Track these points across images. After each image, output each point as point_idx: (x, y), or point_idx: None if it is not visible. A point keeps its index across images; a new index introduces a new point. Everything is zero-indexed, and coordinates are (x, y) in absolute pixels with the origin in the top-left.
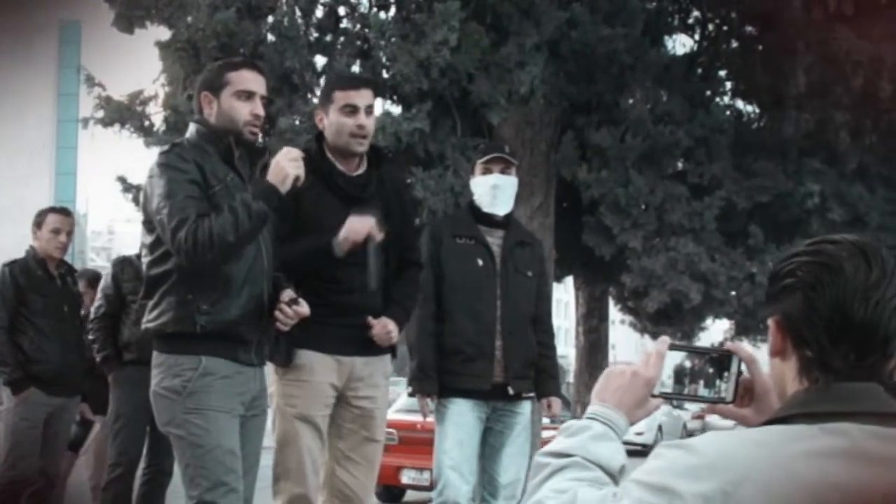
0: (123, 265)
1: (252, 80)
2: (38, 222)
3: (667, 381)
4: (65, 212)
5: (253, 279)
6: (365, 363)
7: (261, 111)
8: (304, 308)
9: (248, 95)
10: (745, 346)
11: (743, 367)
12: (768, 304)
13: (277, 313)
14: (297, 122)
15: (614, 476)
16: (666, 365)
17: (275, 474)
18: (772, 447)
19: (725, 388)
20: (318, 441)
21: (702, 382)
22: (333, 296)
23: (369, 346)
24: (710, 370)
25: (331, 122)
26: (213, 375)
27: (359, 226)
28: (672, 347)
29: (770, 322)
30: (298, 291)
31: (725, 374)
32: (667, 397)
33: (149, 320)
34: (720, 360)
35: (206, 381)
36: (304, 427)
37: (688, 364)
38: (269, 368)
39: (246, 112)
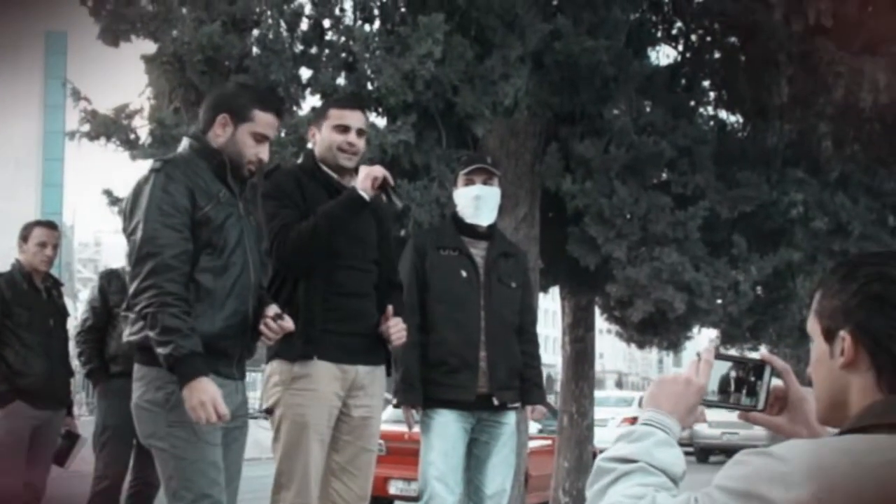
0: (111, 277)
1: (272, 127)
2: (24, 235)
3: (708, 389)
4: (51, 225)
5: (238, 294)
6: (367, 372)
7: (266, 157)
8: (288, 323)
9: (263, 139)
10: (777, 358)
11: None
12: (838, 318)
13: (262, 328)
14: (283, 135)
15: (676, 482)
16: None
17: (277, 483)
18: (859, 456)
19: (759, 396)
20: (323, 452)
21: (744, 391)
22: (339, 300)
23: (371, 355)
24: (752, 379)
25: (322, 137)
26: None
27: (369, 168)
28: (717, 357)
29: (843, 334)
30: (302, 297)
31: (759, 382)
32: (709, 405)
33: (132, 332)
34: (757, 369)
35: None
36: (313, 438)
37: (733, 374)
38: (270, 377)
39: (254, 153)
